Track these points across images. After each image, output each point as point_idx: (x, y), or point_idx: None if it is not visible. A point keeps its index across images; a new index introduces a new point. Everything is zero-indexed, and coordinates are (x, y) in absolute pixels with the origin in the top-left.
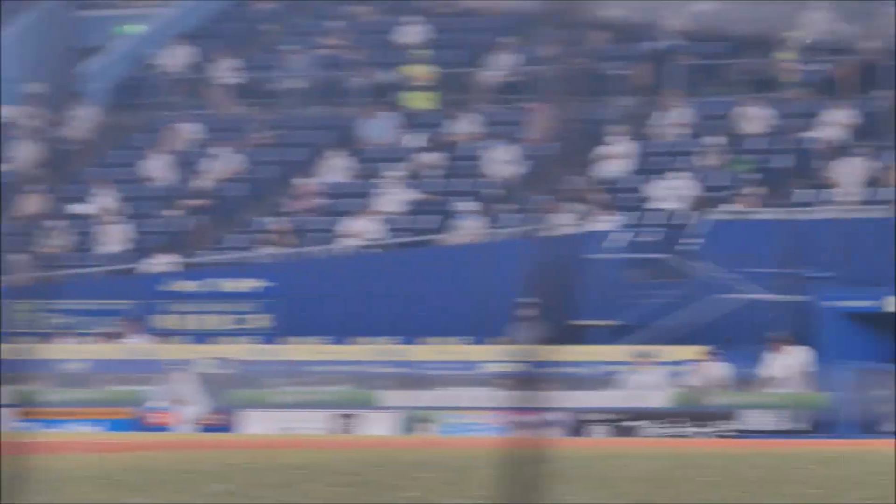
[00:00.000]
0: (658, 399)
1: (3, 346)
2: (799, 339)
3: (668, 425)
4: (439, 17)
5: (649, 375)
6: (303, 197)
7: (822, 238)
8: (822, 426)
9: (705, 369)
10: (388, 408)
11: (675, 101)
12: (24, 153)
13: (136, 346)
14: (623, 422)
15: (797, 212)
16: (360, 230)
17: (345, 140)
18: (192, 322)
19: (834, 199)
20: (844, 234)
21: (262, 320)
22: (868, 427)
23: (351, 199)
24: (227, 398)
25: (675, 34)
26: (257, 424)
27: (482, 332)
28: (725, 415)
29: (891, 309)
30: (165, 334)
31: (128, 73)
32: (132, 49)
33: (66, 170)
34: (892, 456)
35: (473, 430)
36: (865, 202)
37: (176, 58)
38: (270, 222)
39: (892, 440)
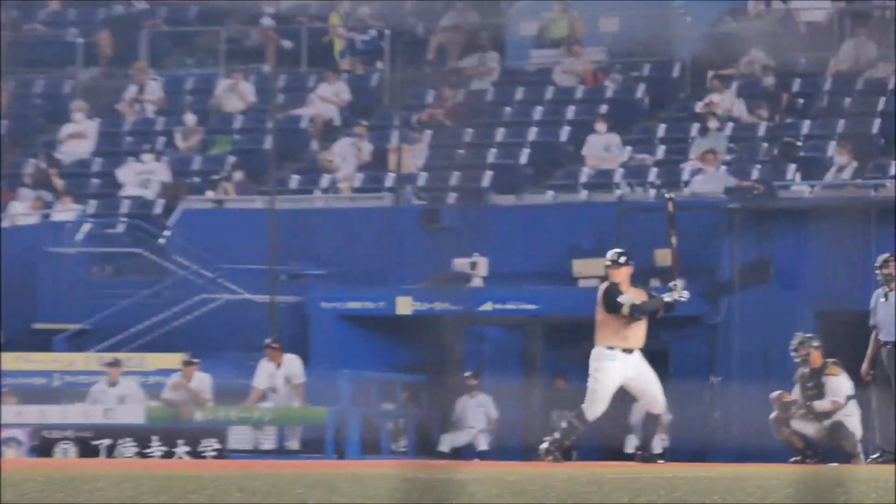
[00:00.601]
0: (132, 414)
1: None
2: (291, 346)
3: (143, 443)
4: None
5: (121, 387)
6: None
7: (315, 230)
8: (317, 445)
9: (184, 380)
10: None
11: (144, 73)
12: None
13: None
14: (93, 440)
15: (286, 200)
16: None
17: None
18: None
19: (329, 186)
20: (342, 226)
21: None
22: (372, 446)
23: None
24: None
25: None
26: None
27: None
28: (208, 432)
29: (404, 311)
30: None
31: None
32: None
33: None
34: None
35: None
36: (365, 189)
37: None
38: None
39: (399, 460)
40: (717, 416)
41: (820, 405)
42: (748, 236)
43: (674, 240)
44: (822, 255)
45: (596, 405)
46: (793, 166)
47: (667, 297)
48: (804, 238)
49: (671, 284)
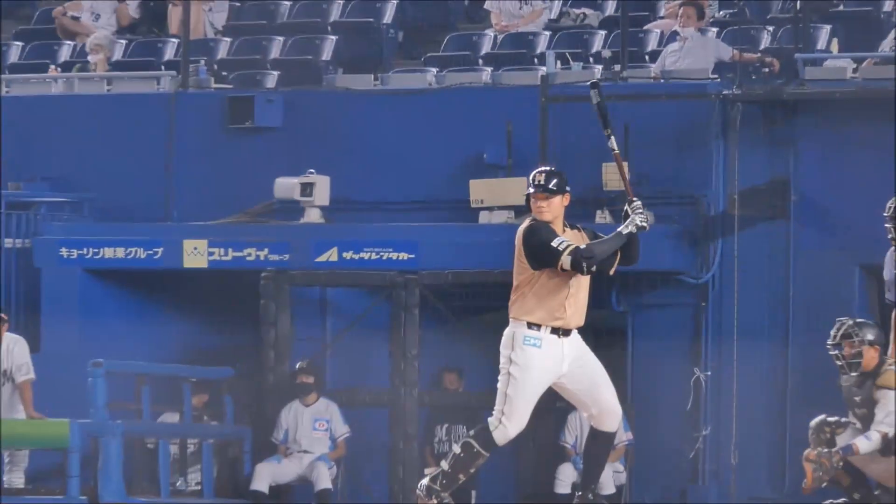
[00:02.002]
0: None
1: None
2: (13, 321)
3: None
4: None
5: None
6: None
7: (52, 132)
8: (55, 479)
9: None
10: None
11: None
12: None
13: None
14: None
15: None
16: None
17: None
18: None
19: (73, 60)
20: (93, 125)
21: None
22: (143, 483)
23: None
24: None
25: None
26: None
27: None
28: None
29: (195, 263)
30: None
31: None
32: None
33: None
34: None
35: None
36: (133, 66)
37: None
38: None
39: None
40: (706, 434)
41: (865, 446)
42: (753, 144)
43: (613, 142)
44: (871, 174)
45: (511, 418)
46: (827, 28)
47: (623, 228)
48: (843, 147)
49: (628, 205)
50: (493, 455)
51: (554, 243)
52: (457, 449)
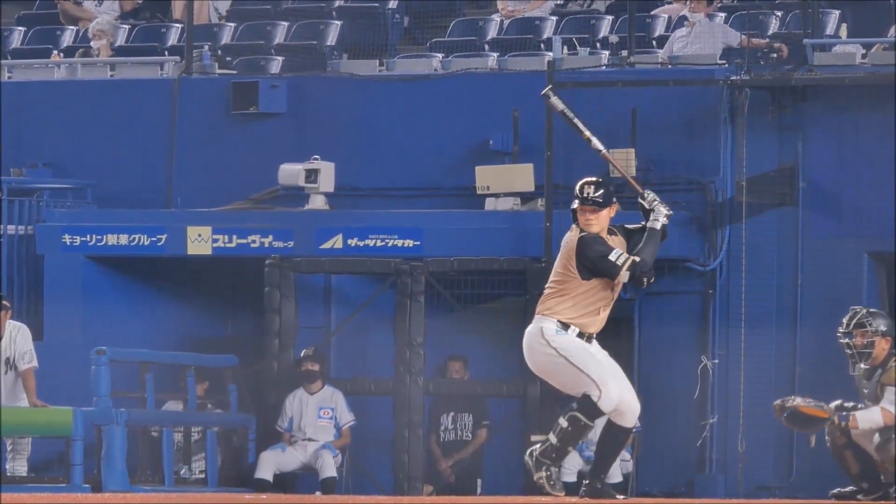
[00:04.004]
0: None
1: None
2: (16, 308)
3: None
4: None
5: None
6: None
7: (52, 118)
8: (58, 468)
9: None
10: None
11: None
12: None
13: None
14: None
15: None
16: None
17: None
18: None
19: (76, 45)
20: (96, 111)
21: None
22: (147, 471)
23: None
24: None
25: None
26: None
27: None
28: None
29: (199, 250)
30: None
31: None
32: None
33: None
34: None
35: None
36: (134, 51)
37: None
38: None
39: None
40: (714, 422)
41: (863, 419)
42: (761, 130)
43: (595, 142)
44: (880, 160)
45: (604, 382)
46: (836, 14)
47: (654, 223)
48: (852, 133)
49: (642, 200)
50: (498, 444)
51: (612, 257)
52: (564, 423)
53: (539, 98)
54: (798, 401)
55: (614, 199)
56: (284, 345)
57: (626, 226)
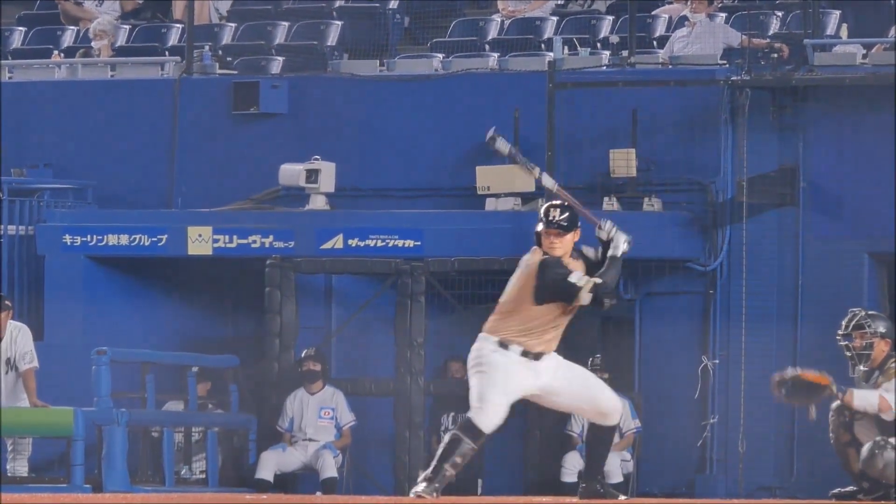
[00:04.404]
0: None
1: None
2: (16, 308)
3: None
4: None
5: None
6: None
7: (51, 118)
8: (58, 468)
9: None
10: None
11: None
12: None
13: None
14: None
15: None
16: None
17: None
18: None
19: (76, 46)
20: (94, 111)
21: None
22: (147, 471)
23: None
24: None
25: None
26: None
27: None
28: None
29: (200, 250)
30: None
31: None
32: None
33: None
34: None
35: None
36: (135, 52)
37: None
38: None
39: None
40: (714, 422)
41: (860, 397)
42: (762, 130)
43: (546, 178)
44: (881, 161)
45: (488, 408)
46: (836, 14)
47: (615, 250)
48: (853, 134)
49: (600, 231)
50: (499, 444)
51: (572, 279)
52: (446, 439)
53: (539, 98)
54: (798, 370)
55: (578, 224)
56: (285, 345)
57: (584, 251)
